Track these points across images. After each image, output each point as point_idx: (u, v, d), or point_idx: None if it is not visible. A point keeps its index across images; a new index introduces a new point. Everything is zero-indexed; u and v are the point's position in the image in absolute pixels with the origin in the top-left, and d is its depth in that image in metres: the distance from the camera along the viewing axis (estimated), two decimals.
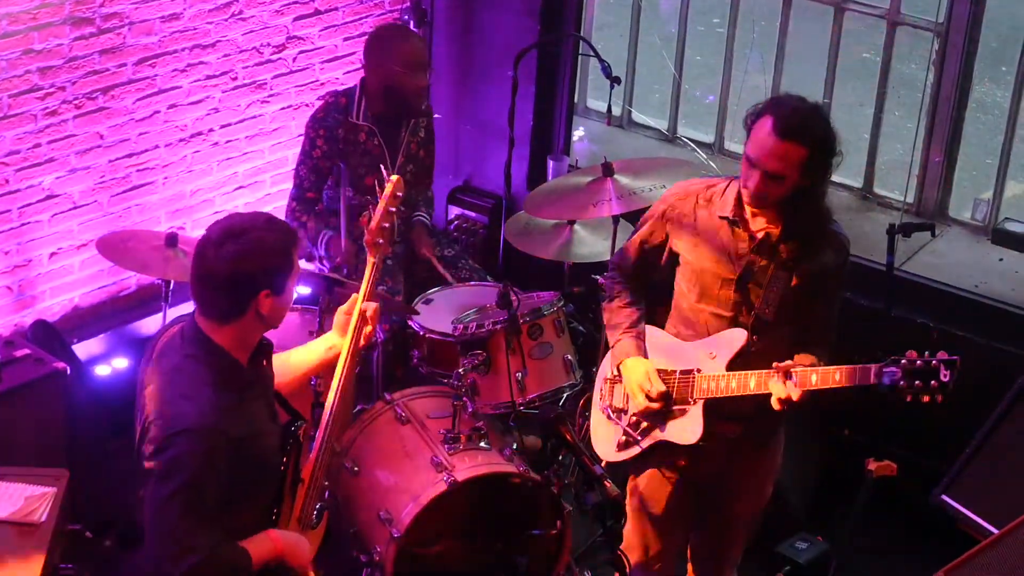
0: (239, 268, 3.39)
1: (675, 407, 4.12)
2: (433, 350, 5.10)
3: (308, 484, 3.74)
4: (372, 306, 3.87)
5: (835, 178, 6.18)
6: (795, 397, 3.89)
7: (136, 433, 3.54)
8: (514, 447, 4.82)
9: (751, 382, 3.99)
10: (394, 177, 3.89)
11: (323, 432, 3.78)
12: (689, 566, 4.54)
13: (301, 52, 6.14)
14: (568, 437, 3.80)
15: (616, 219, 5.31)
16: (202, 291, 3.45)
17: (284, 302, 3.50)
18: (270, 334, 3.63)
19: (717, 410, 4.08)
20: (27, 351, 5.11)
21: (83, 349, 5.59)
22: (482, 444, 4.77)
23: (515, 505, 4.70)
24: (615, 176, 5.29)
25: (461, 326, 4.96)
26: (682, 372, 4.12)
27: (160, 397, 3.44)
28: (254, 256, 3.40)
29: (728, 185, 4.07)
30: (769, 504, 4.43)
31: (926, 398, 3.83)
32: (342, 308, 3.92)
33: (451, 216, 6.66)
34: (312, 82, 6.22)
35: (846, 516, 5.08)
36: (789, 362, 3.93)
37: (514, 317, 4.73)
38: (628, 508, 4.35)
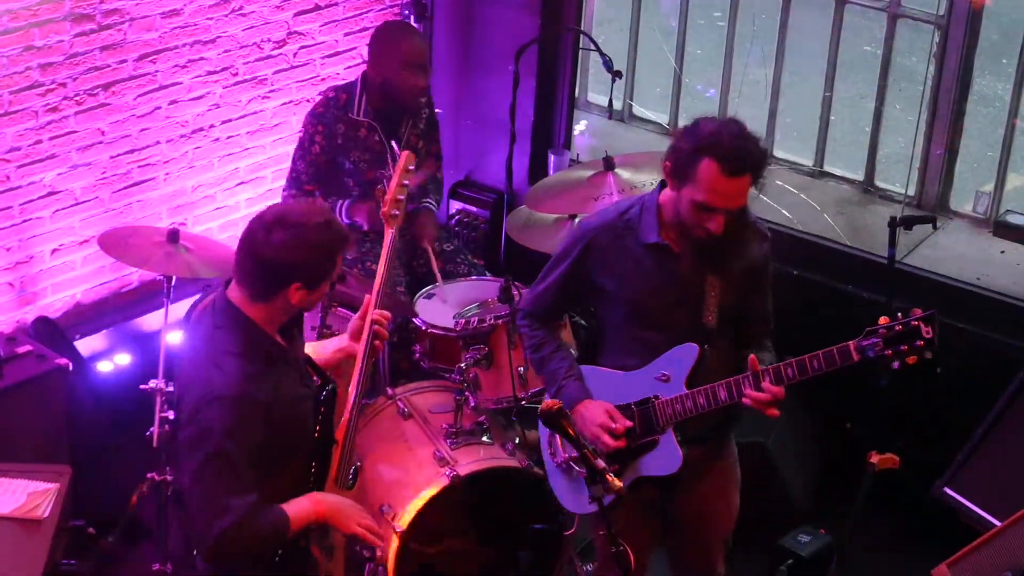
0: (279, 257, 3.46)
1: (643, 440, 4.01)
2: (435, 345, 5.10)
3: (342, 445, 3.79)
4: (385, 314, 3.94)
5: (836, 171, 6.25)
6: (781, 395, 3.84)
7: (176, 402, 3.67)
8: (516, 441, 4.83)
9: (720, 393, 3.91)
10: (404, 152, 4.01)
11: (355, 389, 3.83)
12: None
13: (302, 47, 6.14)
14: (570, 431, 3.80)
15: None
16: (241, 265, 3.54)
17: (316, 297, 3.58)
18: None
19: (681, 433, 3.99)
20: (29, 347, 5.12)
21: (85, 345, 5.59)
22: (484, 438, 4.78)
23: (517, 499, 4.71)
24: (616, 170, 5.29)
25: (463, 321, 4.97)
26: (638, 404, 4.01)
27: (191, 367, 3.54)
28: (298, 250, 3.47)
29: (641, 208, 3.96)
30: (771, 498, 4.42)
31: (912, 359, 3.76)
32: (356, 315, 3.97)
33: (452, 211, 6.66)
34: (313, 77, 6.22)
35: (848, 509, 5.08)
36: (757, 362, 3.85)
37: (516, 312, 4.73)
38: (597, 550, 4.28)
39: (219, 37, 5.80)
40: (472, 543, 4.76)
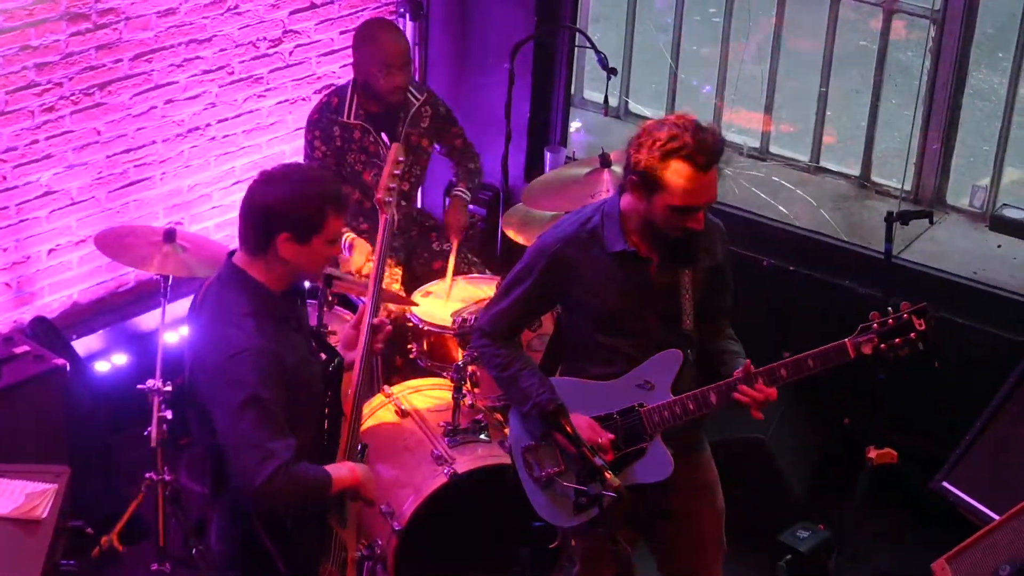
0: (268, 204, 3.54)
1: (630, 449, 3.96)
2: (432, 343, 5.10)
3: (350, 417, 3.81)
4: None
5: (833, 166, 6.24)
6: (773, 397, 3.84)
7: (184, 378, 3.68)
8: None
9: (711, 397, 3.89)
10: (393, 144, 4.11)
11: (360, 363, 3.85)
12: None
13: (297, 46, 6.14)
14: (567, 428, 3.79)
15: None
16: (241, 218, 3.61)
17: (308, 253, 3.58)
18: None
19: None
20: (26, 348, 5.11)
21: (82, 345, 5.58)
22: (482, 436, 4.78)
23: (516, 497, 4.70)
24: (612, 167, 5.29)
25: (460, 319, 4.96)
26: (621, 413, 3.96)
27: (208, 331, 3.59)
28: (287, 199, 3.54)
29: (603, 217, 3.92)
30: (769, 493, 4.41)
31: (905, 352, 3.77)
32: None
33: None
34: (309, 76, 6.21)
35: (847, 504, 5.09)
36: (751, 365, 3.84)
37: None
38: (578, 554, 4.24)
39: (215, 36, 5.80)
40: (471, 541, 4.76)
